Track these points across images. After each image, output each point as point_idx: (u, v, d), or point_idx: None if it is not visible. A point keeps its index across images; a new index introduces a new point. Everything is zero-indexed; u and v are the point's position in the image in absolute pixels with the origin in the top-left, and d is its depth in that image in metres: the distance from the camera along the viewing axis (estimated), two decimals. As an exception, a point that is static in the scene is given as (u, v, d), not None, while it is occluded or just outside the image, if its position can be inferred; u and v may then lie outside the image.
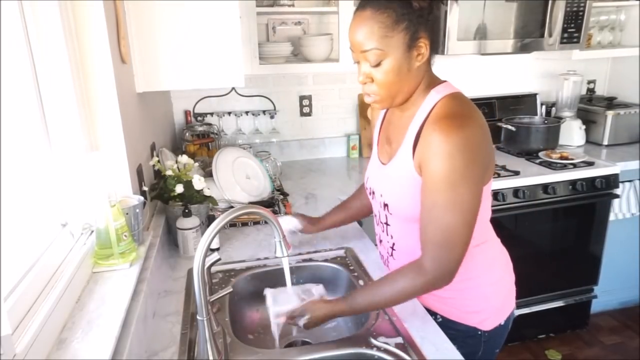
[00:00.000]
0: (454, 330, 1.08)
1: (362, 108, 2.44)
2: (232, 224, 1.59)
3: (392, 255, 1.14)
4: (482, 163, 0.93)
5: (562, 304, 2.35)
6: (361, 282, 1.22)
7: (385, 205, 1.08)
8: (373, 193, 1.15)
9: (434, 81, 1.00)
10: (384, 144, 1.12)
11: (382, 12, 0.89)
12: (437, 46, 1.02)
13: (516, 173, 2.12)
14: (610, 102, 2.60)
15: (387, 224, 1.12)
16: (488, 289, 1.10)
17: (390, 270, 1.13)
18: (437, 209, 0.90)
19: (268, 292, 1.09)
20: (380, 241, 1.20)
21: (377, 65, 0.93)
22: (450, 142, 0.88)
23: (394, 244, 1.13)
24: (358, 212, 1.37)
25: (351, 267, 1.31)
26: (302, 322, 1.01)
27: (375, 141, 1.18)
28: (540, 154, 2.33)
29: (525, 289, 2.25)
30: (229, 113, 2.31)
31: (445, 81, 1.01)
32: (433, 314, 1.12)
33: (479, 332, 1.10)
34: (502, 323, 1.12)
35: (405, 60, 0.93)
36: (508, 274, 1.16)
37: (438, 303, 1.11)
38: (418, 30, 0.91)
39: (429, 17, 0.92)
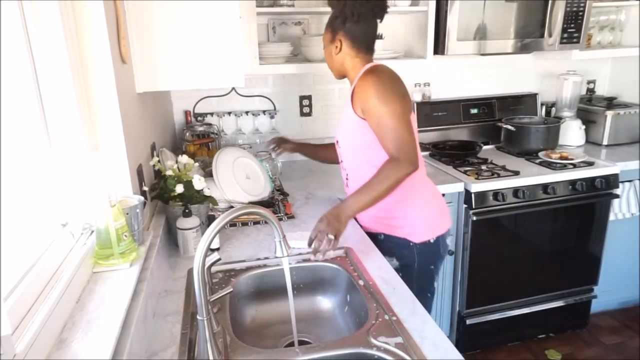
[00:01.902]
0: (391, 243, 1.49)
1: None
2: (232, 224, 1.59)
3: (347, 185, 1.58)
4: (398, 87, 1.37)
5: (562, 304, 2.35)
6: (361, 282, 1.22)
7: (337, 141, 1.57)
8: (337, 142, 1.58)
9: (365, 61, 1.44)
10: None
11: (330, 17, 1.47)
12: (362, 45, 1.43)
13: (516, 173, 2.12)
14: (610, 102, 2.60)
15: (342, 161, 1.57)
16: (414, 209, 1.48)
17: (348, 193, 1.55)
18: (384, 121, 1.32)
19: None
20: (343, 178, 1.61)
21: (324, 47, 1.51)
22: (372, 78, 1.36)
23: (347, 175, 1.56)
24: (328, 153, 1.81)
25: (351, 267, 1.31)
26: (327, 231, 1.28)
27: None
28: (540, 154, 2.33)
29: (525, 289, 2.29)
30: (229, 113, 2.31)
31: (374, 63, 1.44)
32: (377, 234, 1.52)
33: (411, 244, 1.47)
34: (432, 241, 1.48)
35: (328, 49, 1.48)
36: (434, 200, 1.55)
37: (380, 225, 1.52)
38: (336, 31, 1.43)
39: (345, 27, 1.40)
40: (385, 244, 1.48)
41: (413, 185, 1.41)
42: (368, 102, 1.34)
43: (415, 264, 1.48)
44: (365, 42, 1.43)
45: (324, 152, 1.86)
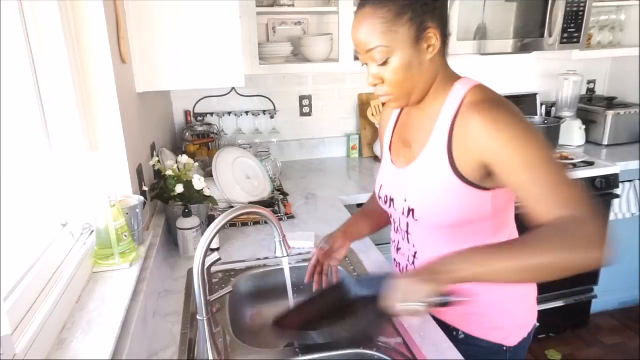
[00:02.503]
0: (477, 347, 1.01)
1: (362, 108, 2.44)
2: (232, 224, 1.59)
3: (413, 263, 1.04)
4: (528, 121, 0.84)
5: (562, 304, 2.35)
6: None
7: (411, 210, 0.96)
8: (391, 200, 1.03)
9: (453, 75, 0.93)
10: (399, 148, 1.03)
11: (382, 6, 0.83)
12: (448, 36, 0.90)
13: (516, 173, 2.11)
14: (610, 102, 2.60)
15: (408, 232, 1.02)
16: (513, 303, 1.01)
17: None
18: (541, 171, 0.76)
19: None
20: (399, 249, 1.09)
21: (385, 63, 0.86)
22: (501, 113, 0.81)
23: (416, 253, 1.03)
24: (381, 219, 1.19)
25: (351, 267, 1.31)
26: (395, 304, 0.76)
27: (387, 145, 1.08)
28: (540, 154, 2.33)
29: (525, 289, 2.29)
30: (229, 113, 2.31)
31: (465, 77, 0.94)
32: (454, 329, 1.04)
33: (504, 348, 1.02)
34: (526, 336, 1.04)
35: (414, 55, 0.85)
36: (532, 287, 1.06)
37: (459, 319, 1.03)
38: (425, 20, 0.84)
39: (436, 4, 0.85)
40: (467, 347, 1.00)
41: None
42: (504, 151, 0.79)
43: None
44: (447, 32, 0.90)
45: (374, 221, 1.21)
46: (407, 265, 1.07)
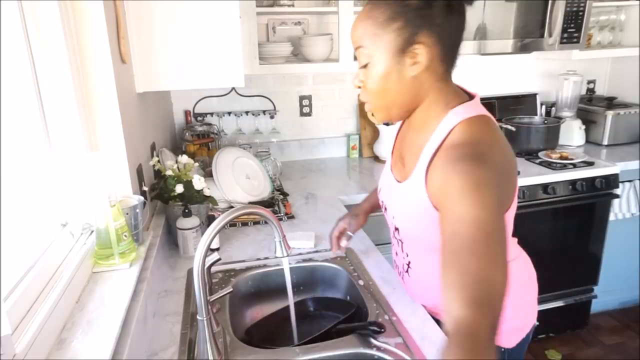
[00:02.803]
0: None
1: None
2: (232, 224, 1.59)
3: (407, 272, 1.06)
4: (506, 197, 0.80)
5: (562, 304, 2.35)
6: (361, 282, 1.22)
7: (397, 229, 0.99)
8: (386, 209, 1.05)
9: (451, 100, 0.86)
10: (397, 160, 1.02)
11: (378, 7, 0.79)
12: (451, 59, 0.84)
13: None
14: (610, 102, 2.60)
15: (401, 241, 1.03)
16: (512, 307, 0.91)
17: (404, 284, 1.12)
18: (467, 257, 0.68)
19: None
20: (396, 253, 1.11)
21: (365, 66, 0.83)
22: (473, 178, 0.73)
23: (410, 263, 1.03)
24: None
25: (351, 267, 1.31)
26: None
27: (388, 153, 1.09)
28: (540, 154, 2.33)
29: (525, 289, 2.29)
30: (229, 113, 2.31)
31: (471, 99, 0.87)
32: None
33: (502, 350, 1.01)
34: (524, 337, 1.04)
35: (394, 66, 0.80)
36: (531, 288, 1.06)
37: None
38: (417, 33, 0.78)
39: (437, 20, 0.78)
40: None
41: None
42: (448, 207, 0.75)
43: None
44: (454, 54, 0.86)
45: None
46: (402, 272, 1.09)
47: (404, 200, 0.94)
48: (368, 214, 1.32)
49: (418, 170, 0.88)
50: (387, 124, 2.26)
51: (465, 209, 0.71)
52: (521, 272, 1.05)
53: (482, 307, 0.65)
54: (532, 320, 1.06)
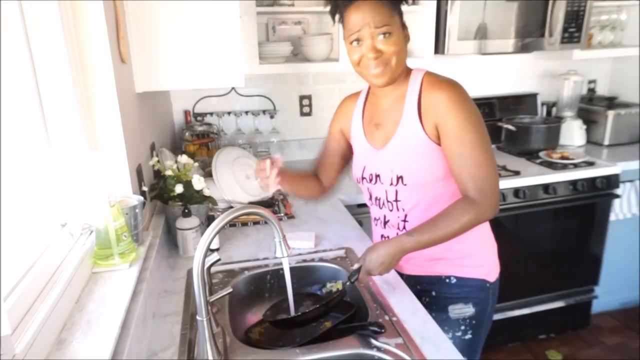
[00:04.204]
0: (468, 287, 1.22)
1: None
2: (232, 224, 1.59)
3: (404, 228, 1.21)
4: (478, 112, 1.10)
5: (562, 304, 2.35)
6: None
7: (399, 178, 1.15)
8: (377, 176, 1.20)
9: (407, 66, 1.16)
10: (373, 131, 1.21)
11: None
12: None
13: (516, 173, 2.11)
14: (611, 102, 2.60)
15: (396, 200, 1.19)
16: (487, 243, 1.26)
17: None
18: (468, 149, 1.04)
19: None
20: (386, 222, 1.24)
21: (388, 37, 1.05)
22: (458, 94, 1.06)
23: (406, 216, 1.20)
24: (317, 186, 1.38)
25: (352, 267, 1.31)
26: (377, 272, 1.08)
27: (358, 133, 1.25)
28: (541, 153, 2.33)
29: (525, 289, 2.28)
30: (229, 113, 2.31)
31: (414, 68, 1.17)
32: (447, 277, 1.22)
33: (487, 284, 1.23)
34: (497, 276, 1.27)
35: (402, 37, 1.09)
36: (489, 225, 1.29)
37: (451, 266, 1.22)
38: (401, 15, 1.09)
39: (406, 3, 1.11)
40: (460, 288, 1.21)
41: None
42: (450, 123, 1.05)
43: (489, 307, 1.26)
44: None
45: (307, 185, 1.37)
46: (397, 234, 1.21)
47: (401, 148, 1.14)
48: (290, 178, 1.29)
49: (407, 118, 1.12)
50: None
51: (463, 129, 1.05)
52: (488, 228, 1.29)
53: (482, 192, 1.05)
54: (497, 262, 1.28)
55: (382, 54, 1.06)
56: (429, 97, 1.09)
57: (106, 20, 1.07)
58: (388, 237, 1.25)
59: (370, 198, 1.27)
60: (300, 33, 2.28)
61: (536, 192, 2.09)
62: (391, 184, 1.17)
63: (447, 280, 1.22)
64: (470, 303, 1.21)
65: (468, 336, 1.24)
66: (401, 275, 1.27)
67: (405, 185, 1.15)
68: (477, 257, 1.23)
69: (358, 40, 1.07)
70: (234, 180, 1.67)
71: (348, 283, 1.12)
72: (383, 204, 1.23)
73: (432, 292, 1.25)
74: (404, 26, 1.09)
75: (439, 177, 1.12)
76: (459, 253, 1.20)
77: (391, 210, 1.22)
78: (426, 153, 1.10)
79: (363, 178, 1.24)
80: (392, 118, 1.15)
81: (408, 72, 1.15)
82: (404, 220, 1.21)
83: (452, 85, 1.08)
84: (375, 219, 1.30)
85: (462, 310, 1.21)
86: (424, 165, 1.12)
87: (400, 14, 1.08)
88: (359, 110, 1.26)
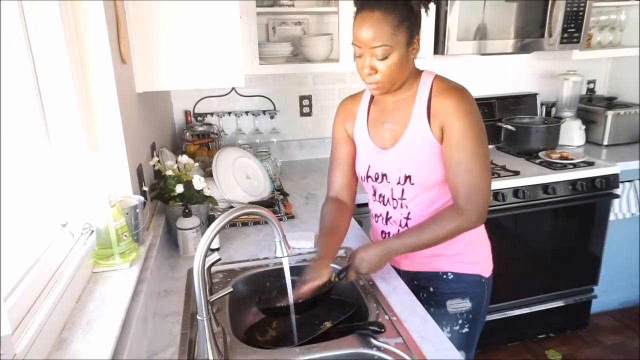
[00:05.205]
0: (464, 282, 1.26)
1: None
2: (232, 224, 1.59)
3: (407, 225, 1.24)
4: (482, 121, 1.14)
5: (562, 304, 2.35)
6: (361, 282, 1.22)
7: (407, 177, 1.18)
8: (384, 175, 1.23)
9: (417, 69, 1.18)
10: (377, 131, 1.24)
11: (391, 13, 1.04)
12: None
13: (516, 173, 2.12)
14: (611, 102, 2.60)
15: (402, 198, 1.22)
16: (482, 240, 1.30)
17: None
18: (465, 158, 1.08)
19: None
20: (389, 219, 1.27)
21: (384, 58, 1.07)
22: (467, 102, 1.10)
23: (409, 213, 1.23)
24: (342, 230, 1.30)
25: (351, 267, 1.31)
26: (364, 271, 1.14)
27: (363, 132, 1.26)
28: (540, 154, 2.33)
29: (525, 289, 2.29)
30: (229, 113, 2.31)
31: (424, 70, 1.20)
32: (444, 273, 1.27)
33: (483, 280, 1.28)
34: (491, 272, 1.31)
35: (405, 54, 1.09)
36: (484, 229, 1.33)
37: (447, 263, 1.26)
38: (414, 30, 1.09)
39: (419, 18, 1.11)
40: (457, 284, 1.26)
41: None
42: (455, 130, 1.09)
43: (484, 301, 1.30)
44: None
45: (340, 235, 1.30)
46: (398, 230, 1.26)
47: (409, 150, 1.17)
48: (335, 250, 1.25)
49: (416, 119, 1.15)
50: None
51: (466, 136, 1.08)
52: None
53: (471, 201, 1.10)
54: (490, 259, 1.32)
55: (376, 71, 1.09)
56: (439, 101, 1.12)
57: (106, 21, 1.07)
58: (389, 233, 1.29)
59: (374, 195, 1.29)
60: (300, 33, 2.28)
61: (536, 192, 2.10)
62: (398, 182, 1.20)
63: (445, 276, 1.26)
64: (467, 298, 1.26)
65: (465, 330, 1.28)
66: (399, 271, 1.30)
67: (412, 184, 1.18)
68: (473, 254, 1.27)
69: (359, 48, 1.10)
70: (234, 180, 1.67)
71: (337, 279, 1.15)
72: (387, 201, 1.26)
73: (430, 288, 1.29)
74: (413, 39, 1.08)
75: (444, 177, 1.16)
76: (456, 250, 1.24)
77: (395, 208, 1.24)
78: (433, 154, 1.14)
79: (368, 177, 1.27)
80: (401, 119, 1.18)
81: (417, 73, 1.17)
82: (407, 218, 1.24)
83: (462, 93, 1.12)
84: (376, 215, 1.31)
85: (459, 305, 1.26)
86: (431, 165, 1.15)
87: (411, 27, 1.06)
88: (363, 109, 1.28)
